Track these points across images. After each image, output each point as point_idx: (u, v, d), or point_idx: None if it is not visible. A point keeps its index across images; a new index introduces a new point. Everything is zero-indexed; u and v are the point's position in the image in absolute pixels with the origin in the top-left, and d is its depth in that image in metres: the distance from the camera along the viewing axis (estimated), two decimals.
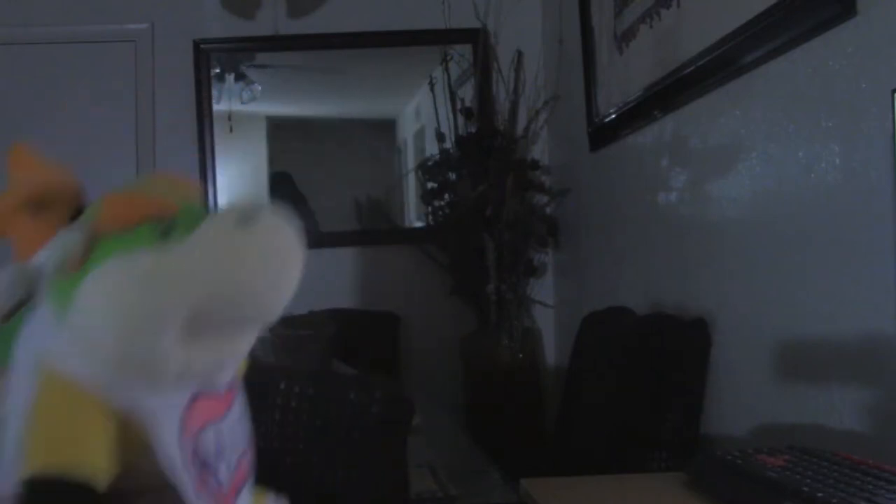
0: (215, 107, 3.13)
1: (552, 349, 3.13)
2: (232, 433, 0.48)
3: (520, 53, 3.12)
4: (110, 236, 0.47)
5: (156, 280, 0.45)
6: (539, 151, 3.12)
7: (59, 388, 0.45)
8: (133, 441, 0.45)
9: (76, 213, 0.52)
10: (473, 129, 3.01)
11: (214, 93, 3.13)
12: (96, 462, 0.43)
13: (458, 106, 3.05)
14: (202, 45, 3.09)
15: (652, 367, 1.80)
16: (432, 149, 3.07)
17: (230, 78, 3.17)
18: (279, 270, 0.47)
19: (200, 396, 0.46)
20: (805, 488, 0.85)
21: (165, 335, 0.45)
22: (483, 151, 2.90)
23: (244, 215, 0.48)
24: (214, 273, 0.46)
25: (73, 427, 0.43)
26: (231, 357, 0.48)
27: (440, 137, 3.00)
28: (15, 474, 0.43)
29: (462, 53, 3.12)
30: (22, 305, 0.49)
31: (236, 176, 3.18)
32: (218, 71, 3.15)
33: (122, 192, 0.49)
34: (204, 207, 0.50)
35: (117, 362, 0.45)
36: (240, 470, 0.49)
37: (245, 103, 3.18)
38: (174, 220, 0.49)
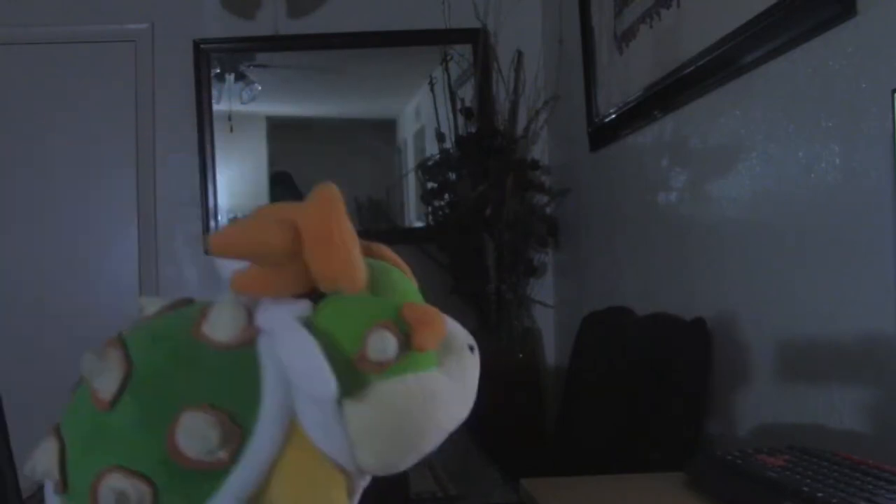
0: (215, 107, 3.13)
1: (552, 349, 3.13)
2: None
3: (520, 53, 3.12)
4: (414, 356, 0.53)
5: (443, 405, 0.54)
6: (539, 151, 3.12)
7: (312, 458, 0.49)
8: None
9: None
10: (473, 129, 3.00)
11: (214, 93, 3.13)
12: None
13: (458, 106, 3.05)
14: (202, 45, 3.09)
15: (652, 367, 1.80)
16: (432, 149, 3.07)
17: (230, 78, 3.17)
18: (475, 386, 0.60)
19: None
20: (805, 488, 0.85)
21: (427, 448, 0.54)
22: (483, 151, 2.90)
23: (469, 342, 0.61)
24: (467, 397, 0.57)
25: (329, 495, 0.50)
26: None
27: (440, 137, 3.00)
28: None
29: (462, 53, 3.12)
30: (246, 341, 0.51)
31: (236, 176, 3.18)
32: (218, 71, 3.15)
33: (429, 311, 0.54)
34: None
35: (373, 466, 0.51)
36: None
37: (245, 103, 3.18)
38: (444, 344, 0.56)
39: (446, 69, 3.09)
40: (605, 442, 1.91)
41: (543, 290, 3.10)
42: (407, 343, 0.51)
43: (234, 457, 0.48)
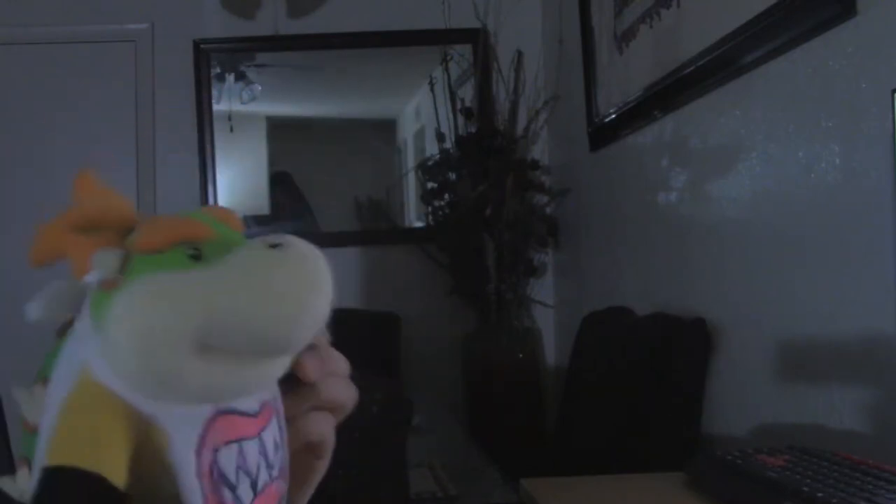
0: (215, 107, 3.13)
1: (552, 349, 3.13)
2: (263, 455, 0.48)
3: (520, 53, 3.12)
4: (144, 257, 0.48)
5: (173, 297, 0.46)
6: (539, 151, 3.12)
7: (90, 391, 0.46)
8: (152, 452, 0.46)
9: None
10: (473, 129, 3.01)
11: (214, 93, 3.13)
12: (114, 463, 0.44)
13: (458, 106, 3.05)
14: (202, 45, 3.09)
15: (652, 367, 1.80)
16: (432, 149, 3.07)
17: (230, 78, 3.17)
18: (308, 295, 0.47)
19: (225, 413, 0.47)
20: (805, 488, 0.85)
21: (179, 353, 0.45)
22: (483, 151, 2.90)
23: (275, 241, 0.49)
24: (239, 292, 0.46)
25: (97, 428, 0.45)
26: (256, 380, 0.49)
27: (440, 137, 3.00)
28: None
29: (462, 53, 3.12)
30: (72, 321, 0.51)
31: (236, 176, 3.18)
32: (218, 71, 3.15)
33: (162, 217, 0.50)
34: (242, 237, 0.50)
35: (137, 376, 0.46)
36: (267, 494, 0.49)
37: (245, 103, 3.18)
38: (207, 245, 0.49)
39: (446, 69, 3.09)
40: (605, 442, 1.91)
41: (543, 290, 3.10)
42: (131, 250, 0.49)
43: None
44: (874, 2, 1.21)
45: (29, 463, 0.51)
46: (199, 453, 0.44)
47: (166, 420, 0.45)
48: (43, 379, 0.48)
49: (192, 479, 0.44)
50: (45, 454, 0.43)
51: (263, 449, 0.48)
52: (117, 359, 0.46)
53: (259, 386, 0.49)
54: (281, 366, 0.50)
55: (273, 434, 0.50)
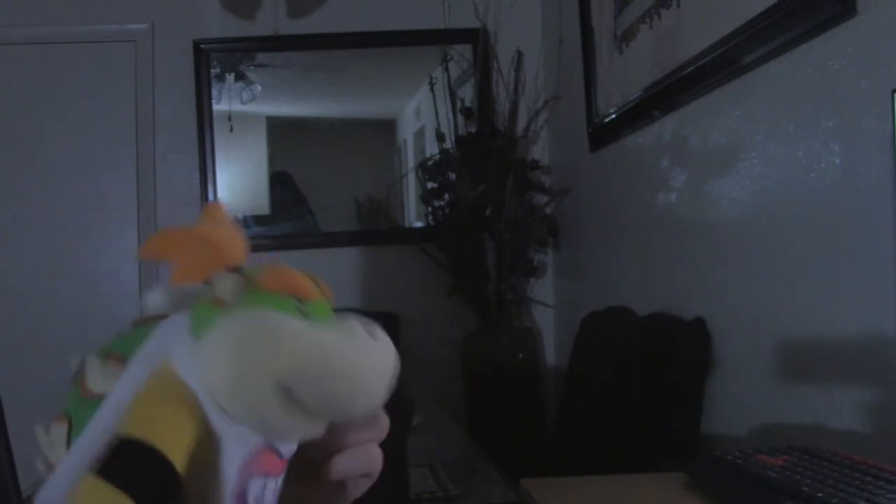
0: (215, 107, 3.13)
1: (552, 349, 3.13)
2: (274, 494, 0.53)
3: (520, 53, 3.12)
4: (260, 293, 0.52)
5: (278, 337, 0.51)
6: (539, 151, 3.12)
7: (170, 381, 0.50)
8: (203, 454, 0.49)
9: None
10: (473, 129, 3.01)
11: (214, 93, 3.13)
12: (178, 449, 0.47)
13: (458, 106, 3.05)
14: (202, 45, 3.09)
15: (652, 367, 1.80)
16: (432, 149, 3.07)
17: (230, 78, 3.17)
18: (383, 386, 0.54)
19: (270, 448, 0.52)
20: (805, 488, 0.85)
21: (264, 388, 0.50)
22: (483, 151, 2.90)
23: (371, 328, 0.55)
24: (334, 357, 0.52)
25: (170, 415, 0.48)
26: (308, 432, 0.53)
27: (440, 137, 3.00)
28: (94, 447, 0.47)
29: (462, 53, 3.13)
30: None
31: (236, 176, 3.18)
32: (218, 71, 3.15)
33: (287, 268, 0.54)
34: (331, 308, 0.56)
35: (219, 391, 0.50)
36: None
37: (245, 103, 3.18)
38: (310, 305, 0.54)
39: (446, 69, 3.09)
40: (605, 442, 1.91)
41: (543, 290, 3.10)
42: (254, 282, 0.52)
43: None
44: (874, 2, 1.21)
45: (70, 421, 0.53)
46: (240, 473, 0.49)
47: (226, 433, 0.49)
48: (116, 356, 0.51)
49: (229, 493, 0.48)
50: (119, 423, 0.47)
51: (276, 488, 0.52)
52: (206, 368, 0.49)
53: (306, 437, 0.52)
54: (321, 430, 0.54)
55: (282, 479, 0.53)
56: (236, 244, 0.58)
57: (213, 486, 0.48)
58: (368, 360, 0.53)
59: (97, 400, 0.51)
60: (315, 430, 0.52)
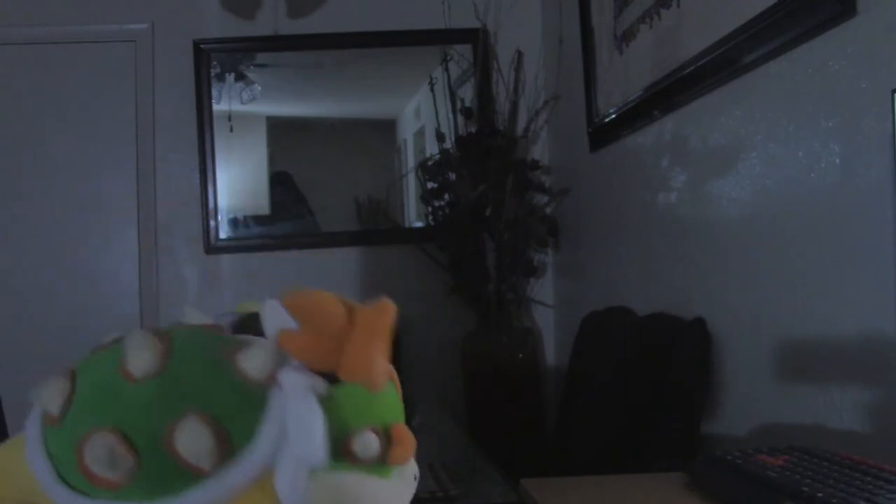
0: (215, 107, 3.13)
1: (552, 349, 3.13)
2: None
3: (520, 53, 3.12)
4: (388, 468, 0.62)
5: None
6: (539, 151, 3.12)
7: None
8: None
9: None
10: (473, 129, 3.00)
11: (214, 93, 3.13)
12: None
13: (458, 106, 3.05)
14: (202, 45, 3.09)
15: (652, 367, 1.80)
16: (432, 149, 3.07)
17: (230, 78, 3.17)
18: None
19: None
20: (805, 488, 0.85)
21: None
22: (483, 151, 2.90)
23: (416, 474, 0.67)
24: None
25: None
26: None
27: (440, 137, 3.00)
28: None
29: (462, 53, 3.13)
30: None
31: (236, 176, 3.18)
32: (218, 71, 3.15)
33: (409, 436, 0.65)
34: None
35: None
36: None
37: (245, 103, 3.18)
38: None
39: (446, 69, 3.09)
40: (605, 442, 1.91)
41: (543, 290, 3.10)
42: (384, 453, 0.60)
43: (213, 471, 0.54)
44: (874, 2, 1.21)
45: (73, 378, 0.57)
46: None
47: None
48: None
49: None
50: None
51: None
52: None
53: None
54: None
55: None
56: (373, 365, 0.62)
57: None
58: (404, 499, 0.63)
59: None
60: None
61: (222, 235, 3.12)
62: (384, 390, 0.64)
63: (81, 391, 0.58)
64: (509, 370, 2.84)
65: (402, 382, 0.70)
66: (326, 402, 0.57)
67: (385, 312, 0.62)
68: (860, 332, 1.27)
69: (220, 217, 3.12)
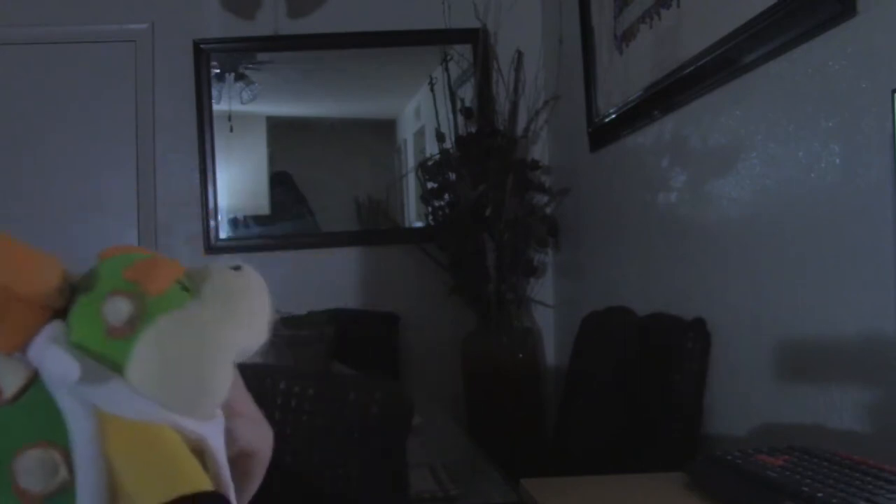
0: (215, 107, 3.13)
1: (552, 349, 3.13)
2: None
3: (520, 53, 3.12)
4: (153, 302, 0.55)
5: (209, 329, 0.54)
6: (539, 151, 3.12)
7: (133, 429, 0.52)
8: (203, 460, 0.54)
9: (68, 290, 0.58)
10: (473, 129, 3.01)
11: (214, 93, 3.13)
12: (205, 479, 0.52)
13: (458, 106, 3.05)
14: (202, 45, 3.09)
15: (652, 367, 1.81)
16: (432, 149, 3.07)
17: (230, 78, 3.17)
18: (266, 301, 0.60)
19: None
20: (805, 488, 0.85)
21: (219, 377, 0.54)
22: (483, 151, 2.90)
23: (232, 266, 0.60)
24: (240, 312, 0.57)
25: (172, 454, 0.52)
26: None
27: (440, 137, 3.00)
28: None
29: (462, 53, 3.13)
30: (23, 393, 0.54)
31: (236, 176, 3.18)
32: (218, 71, 3.15)
33: (146, 261, 0.57)
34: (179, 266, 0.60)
35: (180, 403, 0.53)
36: None
37: (245, 103, 3.18)
38: (188, 278, 0.58)
39: (446, 69, 3.09)
40: (605, 442, 1.91)
41: (543, 290, 3.10)
42: (143, 295, 0.54)
43: (72, 471, 0.51)
44: (874, 2, 1.21)
45: None
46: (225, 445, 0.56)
47: (202, 439, 0.54)
48: (51, 443, 0.52)
49: (230, 488, 0.55)
50: (160, 492, 0.50)
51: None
52: (153, 392, 0.52)
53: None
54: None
55: None
56: (22, 269, 0.58)
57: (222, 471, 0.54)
58: (250, 289, 0.58)
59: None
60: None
61: (222, 235, 3.12)
62: (101, 265, 0.59)
63: None
64: (509, 370, 2.84)
65: (403, 382, 0.69)
66: (70, 331, 0.55)
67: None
68: (860, 332, 1.27)
69: (220, 217, 3.12)
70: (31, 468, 0.51)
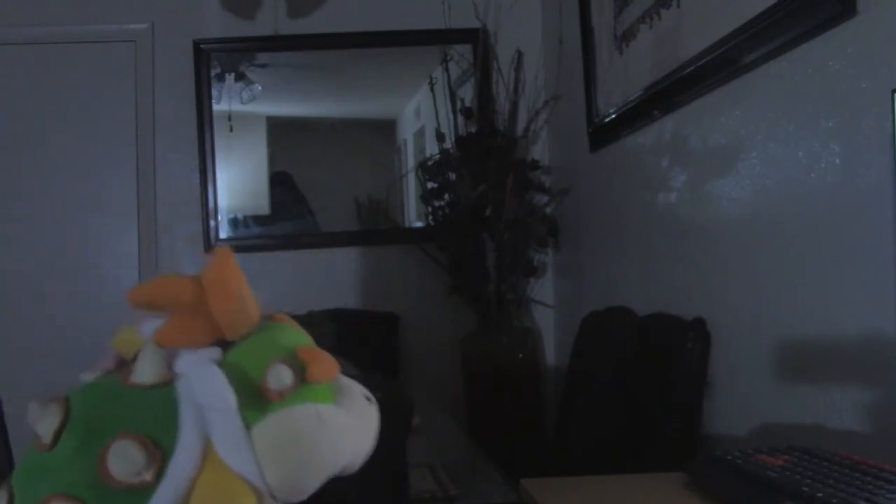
0: (215, 107, 3.13)
1: (552, 349, 3.13)
2: None
3: (520, 53, 3.12)
4: (309, 387, 0.60)
5: (342, 437, 0.61)
6: (539, 151, 3.12)
7: (226, 477, 0.56)
8: None
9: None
10: (473, 129, 3.00)
11: (214, 93, 3.13)
12: None
13: (458, 106, 3.05)
14: (202, 45, 3.09)
15: (652, 367, 1.80)
16: (432, 149, 3.07)
17: (230, 78, 3.17)
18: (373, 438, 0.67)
19: None
20: (805, 488, 0.85)
21: (322, 478, 0.60)
22: (483, 151, 2.90)
23: (367, 394, 0.67)
24: (364, 437, 0.64)
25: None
26: None
27: (440, 137, 3.00)
28: None
29: (462, 53, 3.13)
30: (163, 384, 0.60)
31: (236, 176, 3.18)
32: (218, 71, 3.15)
33: (319, 351, 0.64)
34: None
35: (281, 480, 0.58)
36: None
37: (245, 103, 3.18)
38: (335, 384, 0.63)
39: (446, 69, 3.09)
40: (605, 442, 1.91)
41: (543, 290, 3.10)
42: (302, 377, 0.60)
43: (158, 477, 0.56)
44: (874, 2, 1.21)
45: (9, 484, 0.56)
46: None
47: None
48: (156, 444, 0.56)
49: None
50: None
51: None
52: (263, 462, 0.57)
53: None
54: None
55: None
56: (240, 309, 0.63)
57: None
58: (373, 424, 0.66)
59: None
60: None
61: (222, 235, 3.12)
62: (280, 328, 0.65)
63: (19, 485, 0.59)
64: (509, 370, 2.84)
65: (402, 382, 0.71)
66: (227, 365, 0.59)
67: (223, 257, 0.62)
68: (860, 332, 1.26)
69: (220, 217, 3.12)
70: (125, 455, 0.54)
